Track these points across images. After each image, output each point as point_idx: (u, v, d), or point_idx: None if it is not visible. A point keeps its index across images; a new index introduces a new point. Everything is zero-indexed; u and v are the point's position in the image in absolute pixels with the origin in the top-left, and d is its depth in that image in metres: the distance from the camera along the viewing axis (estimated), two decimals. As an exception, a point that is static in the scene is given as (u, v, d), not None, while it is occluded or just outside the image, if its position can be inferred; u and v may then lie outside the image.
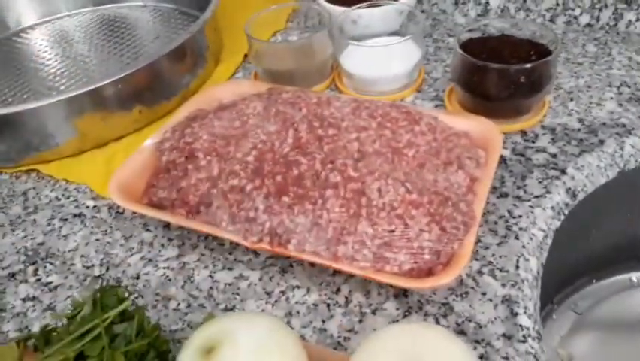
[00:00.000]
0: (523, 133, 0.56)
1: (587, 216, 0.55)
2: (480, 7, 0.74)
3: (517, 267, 0.44)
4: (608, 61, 0.64)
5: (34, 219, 0.55)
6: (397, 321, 0.41)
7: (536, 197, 0.49)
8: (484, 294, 0.42)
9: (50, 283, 0.49)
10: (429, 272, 0.40)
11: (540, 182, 0.51)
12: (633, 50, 0.65)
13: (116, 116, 0.62)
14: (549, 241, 0.48)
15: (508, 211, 0.48)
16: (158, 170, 0.51)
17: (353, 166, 0.45)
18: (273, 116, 0.53)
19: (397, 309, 0.42)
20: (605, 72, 0.62)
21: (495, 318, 0.40)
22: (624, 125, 0.55)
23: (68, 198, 0.57)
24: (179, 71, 0.66)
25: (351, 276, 0.45)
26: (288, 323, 0.42)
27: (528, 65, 0.52)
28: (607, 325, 0.61)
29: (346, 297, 0.44)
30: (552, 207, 0.49)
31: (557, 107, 0.59)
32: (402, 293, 0.43)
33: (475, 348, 0.39)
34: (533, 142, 0.55)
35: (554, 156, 0.53)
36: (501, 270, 0.44)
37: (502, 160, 0.53)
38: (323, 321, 0.42)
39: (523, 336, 0.39)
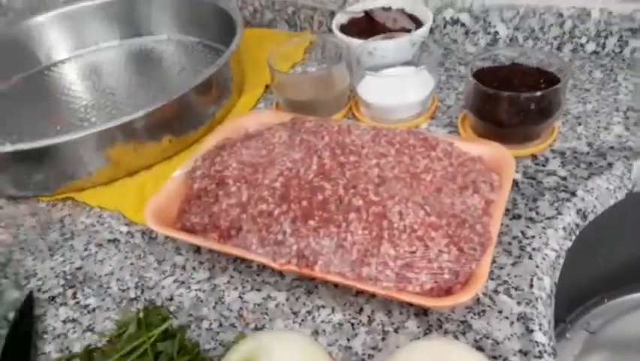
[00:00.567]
0: (534, 157, 0.58)
1: (598, 237, 0.57)
2: (489, 37, 0.77)
3: (531, 286, 0.46)
4: (614, 87, 0.67)
5: (72, 245, 0.58)
6: (419, 338, 0.44)
7: (548, 218, 0.52)
8: (500, 312, 0.44)
9: (89, 305, 0.52)
10: (448, 291, 0.43)
11: (551, 204, 0.53)
12: (638, 76, 0.68)
13: (146, 146, 0.65)
14: (561, 260, 0.50)
15: (522, 232, 0.51)
16: (190, 197, 0.54)
17: (374, 191, 0.48)
18: (297, 144, 0.56)
19: (418, 327, 0.45)
20: (612, 97, 0.65)
21: (511, 335, 0.43)
22: (631, 149, 0.57)
23: (103, 224, 0.60)
24: (206, 102, 0.70)
25: (373, 296, 0.47)
26: (315, 341, 0.45)
27: (538, 93, 0.55)
28: (619, 344, 0.62)
29: (369, 316, 0.46)
30: (564, 228, 0.51)
31: (566, 131, 0.61)
32: (422, 312, 0.46)
33: (493, 363, 0.41)
34: (544, 166, 0.57)
35: (564, 179, 0.55)
36: (516, 289, 0.46)
37: (515, 183, 0.56)
38: (348, 339, 0.45)
39: (539, 352, 0.41)
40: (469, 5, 0.76)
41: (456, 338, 0.43)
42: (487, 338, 0.43)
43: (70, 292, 0.53)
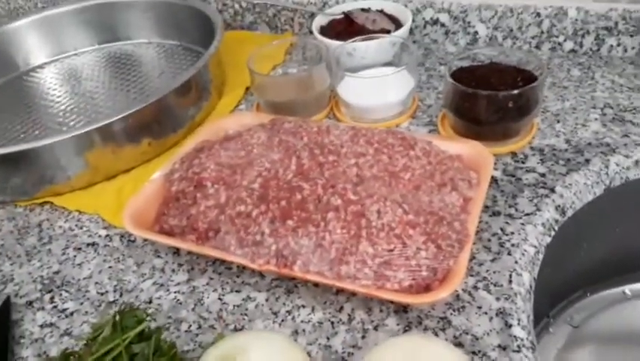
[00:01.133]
0: (514, 154, 0.59)
1: (578, 232, 0.58)
2: (469, 37, 0.78)
3: (510, 281, 0.46)
4: (591, 84, 0.67)
5: (50, 249, 0.58)
6: (398, 335, 0.44)
7: (527, 215, 0.52)
8: (479, 308, 0.44)
9: (66, 309, 0.51)
10: (427, 288, 0.43)
11: (530, 200, 0.53)
12: (615, 73, 0.69)
13: (125, 149, 0.65)
14: (540, 256, 0.50)
15: (501, 229, 0.51)
16: (168, 199, 0.54)
17: (353, 190, 0.48)
18: (276, 145, 0.56)
19: (398, 324, 0.44)
20: (590, 95, 0.66)
21: (490, 330, 0.43)
22: (608, 145, 0.58)
23: (81, 228, 0.60)
24: (186, 104, 0.69)
25: (353, 295, 0.47)
26: (295, 340, 0.44)
27: (515, 91, 0.56)
28: (603, 337, 0.63)
29: (349, 315, 0.46)
30: (543, 224, 0.51)
31: (545, 128, 0.62)
32: (402, 309, 0.45)
33: (472, 359, 0.41)
34: (523, 163, 0.58)
35: (543, 175, 0.56)
36: (495, 285, 0.46)
37: (494, 181, 0.56)
38: (328, 338, 0.44)
39: (518, 346, 0.41)
40: (449, 5, 0.76)
41: (436, 334, 0.43)
42: (467, 333, 0.43)
43: (47, 296, 0.52)
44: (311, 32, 0.76)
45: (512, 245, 0.49)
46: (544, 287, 0.54)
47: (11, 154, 0.60)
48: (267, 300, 0.48)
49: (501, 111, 0.57)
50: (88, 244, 0.57)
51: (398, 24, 0.75)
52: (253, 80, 0.69)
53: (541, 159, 0.58)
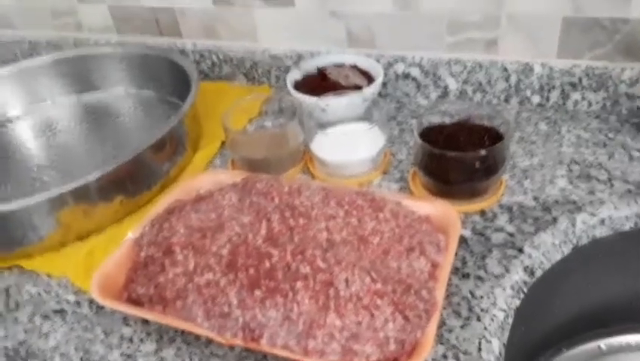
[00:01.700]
0: (483, 213, 0.60)
1: (550, 290, 0.58)
2: (440, 90, 0.80)
3: (479, 349, 0.46)
4: (558, 139, 0.69)
5: (16, 317, 0.56)
6: (368, 409, 0.43)
7: (496, 277, 0.52)
8: (449, 378, 0.44)
9: (31, 382, 0.50)
10: (395, 361, 0.42)
11: (499, 261, 0.54)
12: (581, 128, 0.70)
13: (97, 208, 0.64)
14: (510, 320, 0.50)
15: (470, 292, 0.51)
16: (137, 265, 0.53)
17: (322, 257, 0.48)
18: (247, 207, 0.56)
19: (368, 397, 0.44)
20: (556, 150, 0.67)
21: (460, 403, 0.42)
22: (574, 202, 0.59)
23: (50, 293, 0.59)
24: (161, 160, 0.69)
25: (323, 365, 0.47)
26: (264, 415, 0.44)
27: (482, 152, 0.56)
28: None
29: (319, 386, 0.45)
30: (511, 287, 0.52)
31: (514, 185, 0.63)
32: (372, 380, 0.45)
33: None
34: (492, 221, 0.58)
35: (512, 235, 0.56)
36: (465, 353, 0.46)
37: (464, 240, 0.56)
38: (297, 412, 0.44)
39: (487, 420, 0.41)
40: (419, 60, 0.78)
41: (405, 407, 0.43)
42: (436, 406, 0.43)
43: (11, 368, 0.51)
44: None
45: (481, 310, 0.49)
46: (517, 347, 0.54)
47: (-21, 216, 0.59)
48: (235, 371, 0.47)
49: (468, 171, 0.58)
50: (55, 311, 0.56)
51: (370, 78, 0.76)
52: (227, 136, 0.69)
53: (509, 218, 0.58)
